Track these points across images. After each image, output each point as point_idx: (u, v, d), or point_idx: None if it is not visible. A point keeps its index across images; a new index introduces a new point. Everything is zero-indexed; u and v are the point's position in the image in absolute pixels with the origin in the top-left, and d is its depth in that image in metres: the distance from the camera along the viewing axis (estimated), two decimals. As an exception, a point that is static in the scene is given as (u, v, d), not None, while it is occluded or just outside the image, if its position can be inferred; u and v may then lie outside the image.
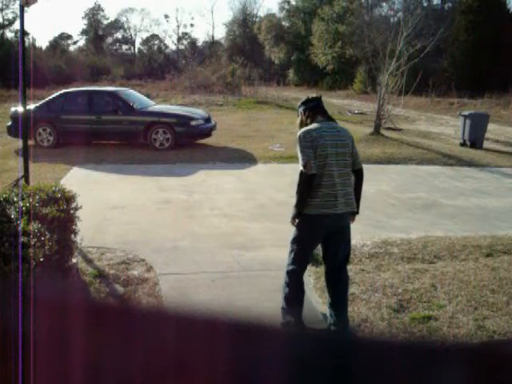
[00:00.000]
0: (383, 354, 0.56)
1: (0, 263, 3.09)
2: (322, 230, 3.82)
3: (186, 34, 66.82)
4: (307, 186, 3.69)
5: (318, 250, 5.57)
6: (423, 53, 14.75)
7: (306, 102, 3.93)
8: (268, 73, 44.25)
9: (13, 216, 3.69)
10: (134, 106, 12.28)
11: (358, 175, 3.90)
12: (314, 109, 3.89)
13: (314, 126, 3.78)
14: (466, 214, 7.32)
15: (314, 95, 4.07)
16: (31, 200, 4.09)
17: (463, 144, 13.58)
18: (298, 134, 3.80)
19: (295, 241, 3.93)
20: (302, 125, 3.88)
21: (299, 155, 3.74)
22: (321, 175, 3.67)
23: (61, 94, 12.81)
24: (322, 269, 5.06)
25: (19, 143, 9.00)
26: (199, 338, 0.57)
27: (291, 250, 3.96)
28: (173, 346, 0.58)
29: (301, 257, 3.93)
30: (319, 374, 0.55)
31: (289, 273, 3.93)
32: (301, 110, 3.94)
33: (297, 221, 3.90)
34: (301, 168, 3.70)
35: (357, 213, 3.92)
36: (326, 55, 40.15)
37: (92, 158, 10.92)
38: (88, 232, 5.44)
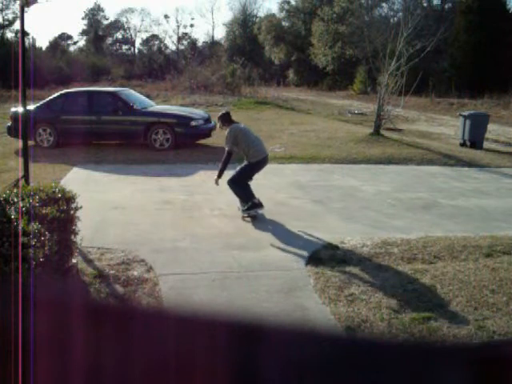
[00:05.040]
0: (383, 355, 0.56)
1: (0, 263, 3.09)
2: (262, 167, 6.89)
3: (186, 34, 66.89)
4: (228, 159, 6.76)
5: (319, 250, 5.59)
6: (423, 53, 14.74)
7: (223, 116, 7.01)
8: (268, 73, 44.29)
9: (13, 216, 3.69)
10: (134, 107, 12.28)
11: None
12: (228, 117, 6.97)
13: (234, 125, 6.87)
14: (466, 215, 7.31)
15: (224, 112, 7.22)
16: (31, 200, 4.09)
17: (463, 144, 13.58)
18: (228, 130, 6.82)
19: (242, 173, 6.77)
20: (221, 127, 7.06)
21: (227, 141, 6.83)
22: (251, 143, 6.77)
23: (61, 95, 12.81)
24: (321, 269, 5.07)
25: (19, 144, 9.00)
26: (199, 338, 0.57)
27: (235, 179, 6.75)
28: (172, 346, 0.58)
29: (243, 180, 6.78)
30: (319, 374, 0.55)
31: (234, 182, 6.74)
32: (220, 120, 7.01)
33: (219, 181, 6.92)
34: (227, 149, 6.77)
35: None
36: (326, 56, 40.17)
37: (92, 158, 10.92)
38: (88, 232, 5.44)
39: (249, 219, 6.67)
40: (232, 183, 6.79)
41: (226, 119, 6.96)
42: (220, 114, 7.15)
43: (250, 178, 6.89)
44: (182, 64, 34.80)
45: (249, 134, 6.95)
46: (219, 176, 6.82)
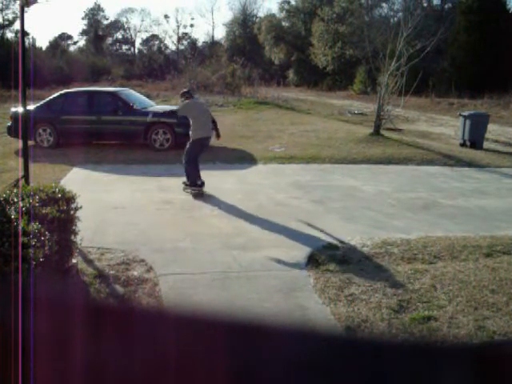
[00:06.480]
0: (383, 355, 0.56)
1: (0, 263, 3.09)
2: (204, 145, 8.20)
3: (186, 34, 66.88)
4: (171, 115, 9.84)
5: (319, 250, 5.59)
6: (423, 53, 14.74)
7: (185, 93, 8.38)
8: (268, 73, 44.28)
9: (13, 216, 3.69)
10: (134, 107, 12.28)
11: (214, 122, 8.46)
12: (188, 94, 8.34)
13: (189, 101, 8.22)
14: (466, 215, 7.31)
15: (186, 89, 8.74)
16: (31, 200, 4.09)
17: (463, 144, 13.58)
18: (185, 103, 8.21)
19: (190, 152, 8.05)
20: (182, 102, 8.34)
21: (179, 109, 8.44)
22: (199, 119, 8.01)
23: (61, 95, 12.81)
24: (321, 269, 5.07)
25: (19, 144, 9.00)
26: (199, 338, 0.57)
27: (187, 157, 8.05)
28: (172, 346, 0.58)
29: (193, 158, 8.05)
30: (318, 374, 0.55)
31: (188, 162, 8.05)
32: (183, 95, 8.35)
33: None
34: (175, 111, 8.74)
35: (218, 135, 8.65)
36: (326, 56, 40.19)
37: (92, 158, 10.92)
38: (88, 232, 5.44)
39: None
40: (186, 163, 8.08)
41: (187, 95, 8.35)
42: (182, 91, 8.59)
43: (199, 155, 8.16)
44: (182, 64, 34.80)
45: (201, 111, 8.18)
46: (173, 111, 9.31)
